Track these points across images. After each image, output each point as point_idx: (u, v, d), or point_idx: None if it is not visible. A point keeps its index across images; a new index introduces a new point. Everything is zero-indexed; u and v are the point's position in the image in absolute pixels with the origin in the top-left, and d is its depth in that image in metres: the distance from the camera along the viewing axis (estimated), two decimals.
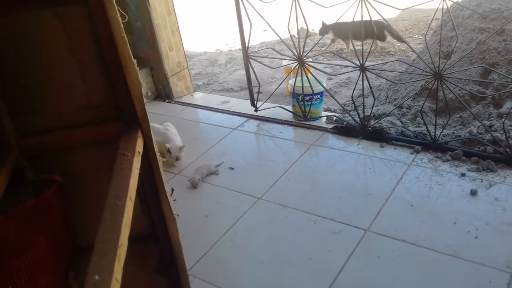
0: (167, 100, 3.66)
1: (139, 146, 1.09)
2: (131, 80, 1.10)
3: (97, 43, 1.08)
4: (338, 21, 2.73)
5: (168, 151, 2.64)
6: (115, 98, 1.13)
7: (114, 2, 1.01)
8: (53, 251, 1.17)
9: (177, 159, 2.67)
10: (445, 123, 2.49)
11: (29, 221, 1.11)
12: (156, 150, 1.20)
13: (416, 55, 2.85)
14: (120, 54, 1.07)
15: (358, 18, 2.40)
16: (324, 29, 4.45)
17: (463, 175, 2.27)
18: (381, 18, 2.47)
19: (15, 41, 1.09)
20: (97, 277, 0.69)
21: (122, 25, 1.04)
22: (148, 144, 1.17)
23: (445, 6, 2.14)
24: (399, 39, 4.35)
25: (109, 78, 1.11)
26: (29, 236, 1.11)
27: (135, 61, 1.10)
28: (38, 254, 1.12)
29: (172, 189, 1.26)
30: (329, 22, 4.37)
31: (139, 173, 1.05)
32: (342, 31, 4.37)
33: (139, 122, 1.14)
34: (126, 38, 1.06)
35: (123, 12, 1.07)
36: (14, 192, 1.11)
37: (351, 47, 4.40)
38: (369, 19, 2.38)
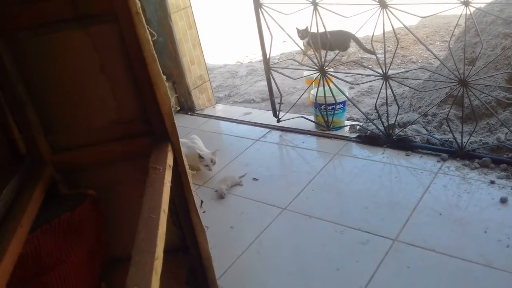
0: (189, 113, 3.70)
1: (170, 159, 1.11)
2: (161, 95, 1.12)
3: (128, 60, 1.12)
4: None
5: (200, 157, 2.67)
6: (145, 113, 1.16)
7: (144, 21, 1.05)
8: (86, 264, 1.20)
9: (213, 161, 2.69)
10: (472, 130, 2.45)
11: (63, 235, 1.14)
12: (186, 163, 1.22)
13: (439, 63, 2.82)
14: (149, 70, 1.09)
15: (379, 27, 2.39)
16: (303, 35, 4.18)
17: (492, 182, 2.22)
18: (403, 26, 2.46)
19: (48, 61, 1.13)
20: None
21: (151, 43, 1.07)
22: (177, 158, 1.19)
23: (468, 12, 2.13)
24: (367, 50, 4.33)
25: (139, 94, 1.14)
26: (63, 249, 1.14)
27: (164, 77, 1.13)
28: (72, 267, 1.15)
29: (202, 201, 1.27)
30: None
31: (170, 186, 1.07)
32: (315, 41, 4.20)
33: (169, 136, 1.17)
34: (156, 55, 1.09)
35: (152, 31, 1.10)
36: (49, 206, 1.15)
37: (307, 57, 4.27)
38: (392, 28, 2.38)
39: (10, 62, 1.08)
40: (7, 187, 1.00)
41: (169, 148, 1.15)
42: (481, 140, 2.51)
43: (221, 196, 2.49)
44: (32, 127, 1.13)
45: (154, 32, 1.10)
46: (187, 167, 1.22)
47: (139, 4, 1.01)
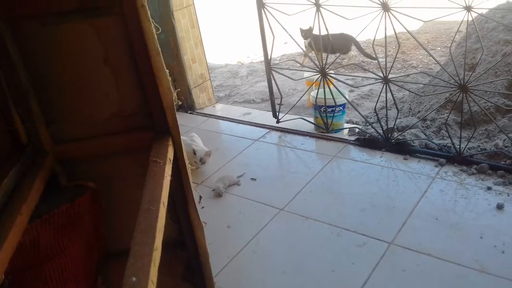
0: (189, 111, 3.70)
1: (170, 153, 1.12)
2: (163, 89, 1.13)
3: (131, 53, 1.12)
4: (357, 35, 2.74)
5: (194, 153, 2.67)
6: (147, 107, 1.17)
7: (149, 14, 1.05)
8: (83, 256, 1.20)
9: (202, 161, 2.69)
10: (470, 136, 2.46)
11: (62, 226, 1.14)
12: (186, 158, 1.22)
13: (439, 68, 2.84)
14: (153, 64, 1.10)
15: (381, 31, 2.40)
16: (306, 35, 4.21)
17: (489, 188, 2.23)
18: (405, 30, 2.47)
19: (52, 51, 1.13)
20: (134, 278, 0.71)
21: (156, 37, 1.08)
22: (178, 152, 1.20)
23: (469, 18, 2.14)
24: (367, 55, 4.38)
25: (142, 88, 1.15)
26: (61, 240, 1.14)
27: (167, 71, 1.13)
28: (69, 258, 1.15)
29: (200, 197, 1.27)
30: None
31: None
32: (317, 42, 4.18)
33: (169, 130, 1.17)
34: (159, 49, 1.09)
35: (156, 25, 1.10)
36: (49, 197, 1.15)
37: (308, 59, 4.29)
38: (394, 31, 2.39)
39: (14, 51, 1.08)
40: (7, 177, 1.00)
41: (170, 142, 1.15)
42: (479, 146, 2.52)
43: (218, 195, 2.49)
44: (34, 117, 1.13)
45: (158, 26, 1.11)
46: (187, 162, 1.22)
47: None
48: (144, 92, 1.15)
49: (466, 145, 2.45)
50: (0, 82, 1.09)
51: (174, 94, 1.15)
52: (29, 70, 1.12)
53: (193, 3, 3.53)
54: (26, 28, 1.08)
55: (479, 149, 2.49)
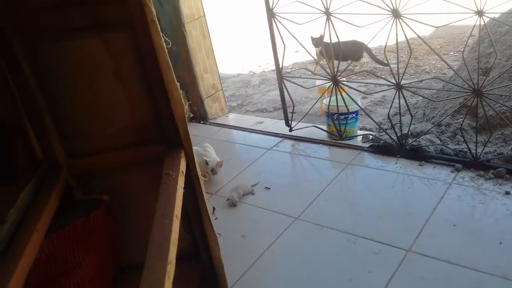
0: (202, 122, 3.72)
1: (183, 165, 1.12)
2: (175, 102, 1.13)
3: (142, 67, 1.13)
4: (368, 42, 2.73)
5: (206, 163, 2.68)
6: (159, 120, 1.17)
7: (159, 29, 1.06)
8: (99, 269, 1.21)
9: (213, 171, 2.70)
10: (486, 140, 2.42)
11: (77, 240, 1.15)
12: (198, 169, 1.23)
13: (453, 73, 2.81)
14: (164, 77, 1.11)
15: (392, 37, 2.39)
16: (317, 43, 4.24)
17: (507, 193, 2.19)
18: (416, 36, 2.46)
19: (65, 67, 1.15)
20: None
21: (166, 50, 1.09)
22: (190, 164, 1.20)
23: (482, 23, 2.11)
24: (379, 62, 4.36)
25: (153, 100, 1.16)
26: (78, 254, 1.15)
27: (178, 84, 1.14)
28: (86, 272, 1.16)
29: (214, 208, 1.27)
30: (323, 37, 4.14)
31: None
32: (328, 50, 4.18)
33: (182, 142, 1.18)
34: (170, 63, 1.10)
35: (167, 39, 1.11)
36: (64, 211, 1.16)
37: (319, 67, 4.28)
38: (405, 38, 2.37)
39: (28, 68, 1.10)
40: (23, 192, 1.02)
41: (182, 154, 1.16)
42: (495, 150, 2.48)
43: (233, 204, 2.49)
44: (48, 132, 1.15)
45: (169, 40, 1.12)
46: (199, 173, 1.22)
47: (154, 13, 1.03)
48: (156, 105, 1.16)
49: (483, 150, 2.42)
50: (14, 99, 1.11)
51: (186, 106, 1.16)
52: (43, 87, 1.14)
53: (204, 15, 3.56)
54: (40, 45, 1.11)
55: (495, 154, 2.44)
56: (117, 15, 1.07)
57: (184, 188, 1.11)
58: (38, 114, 1.16)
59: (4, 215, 0.92)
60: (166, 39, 1.11)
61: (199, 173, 1.22)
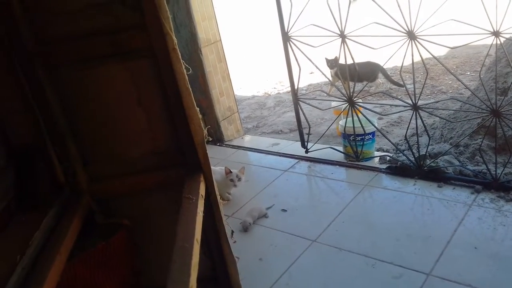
0: (218, 144, 3.75)
1: (202, 189, 1.13)
2: (194, 127, 1.15)
3: (163, 93, 1.16)
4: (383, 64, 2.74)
5: (229, 170, 2.71)
6: (179, 144, 1.19)
7: (180, 56, 1.09)
8: None
9: (238, 177, 2.73)
10: (506, 161, 2.39)
11: (98, 264, 1.16)
12: (217, 193, 1.24)
13: (470, 93, 2.79)
14: (184, 103, 1.13)
15: (408, 57, 2.40)
16: (332, 65, 4.31)
17: None
18: (432, 56, 2.46)
19: (88, 93, 1.18)
20: None
21: (186, 77, 1.11)
22: (209, 188, 1.21)
23: (498, 42, 2.11)
24: (394, 83, 4.37)
25: (174, 126, 1.18)
26: (98, 278, 1.16)
27: (198, 109, 1.16)
28: None
29: (232, 231, 1.28)
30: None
31: None
32: (343, 72, 4.23)
33: (201, 166, 1.19)
34: (190, 89, 1.13)
35: (187, 65, 1.14)
36: (85, 234, 1.18)
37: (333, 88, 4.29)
38: (421, 59, 2.38)
39: (52, 95, 1.14)
40: (47, 217, 1.04)
41: (202, 178, 1.17)
42: None
43: (245, 229, 2.47)
44: (71, 157, 1.18)
45: (189, 67, 1.15)
46: (218, 197, 1.23)
47: (175, 41, 1.06)
48: (176, 130, 1.18)
49: (503, 171, 2.38)
50: (39, 125, 1.14)
51: (205, 131, 1.18)
52: (66, 112, 1.17)
53: (220, 39, 3.62)
54: (64, 73, 1.14)
55: None
56: (139, 43, 1.10)
57: (203, 211, 1.12)
58: (61, 139, 1.18)
59: (28, 240, 0.94)
60: (186, 65, 1.13)
61: (218, 197, 1.23)
